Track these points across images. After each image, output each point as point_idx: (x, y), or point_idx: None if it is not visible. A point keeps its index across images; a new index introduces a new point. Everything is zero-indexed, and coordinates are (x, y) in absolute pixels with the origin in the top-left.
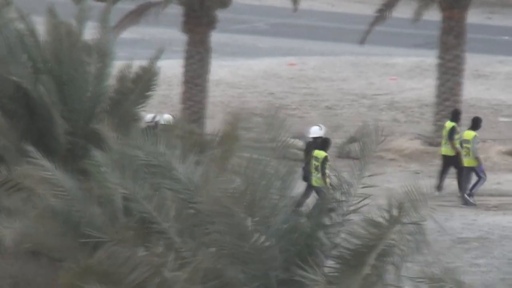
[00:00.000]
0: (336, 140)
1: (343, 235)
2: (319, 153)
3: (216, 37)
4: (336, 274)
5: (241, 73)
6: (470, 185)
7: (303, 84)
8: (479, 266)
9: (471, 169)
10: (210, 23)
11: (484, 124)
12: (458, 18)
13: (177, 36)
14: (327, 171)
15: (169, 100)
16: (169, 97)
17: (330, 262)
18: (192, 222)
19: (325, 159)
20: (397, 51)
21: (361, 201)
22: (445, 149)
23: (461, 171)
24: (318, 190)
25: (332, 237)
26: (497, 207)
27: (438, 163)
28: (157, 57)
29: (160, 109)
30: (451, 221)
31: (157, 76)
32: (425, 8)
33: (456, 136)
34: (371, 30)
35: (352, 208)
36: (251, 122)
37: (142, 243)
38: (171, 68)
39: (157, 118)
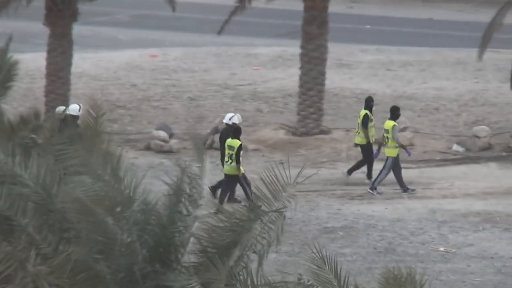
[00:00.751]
0: (200, 131)
1: (204, 227)
2: (233, 142)
3: (77, 30)
4: (200, 267)
5: (103, 65)
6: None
7: (165, 75)
8: (345, 255)
9: (388, 158)
10: (72, 16)
11: (348, 113)
12: (320, 8)
13: (40, 29)
14: (241, 159)
15: (32, 94)
16: (32, 90)
17: (194, 255)
18: (50, 220)
19: (240, 147)
20: (259, 41)
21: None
22: (359, 138)
23: (370, 160)
24: (229, 179)
25: (189, 228)
26: (362, 196)
27: (302, 152)
28: (6, 47)
29: (23, 103)
30: (316, 211)
31: (16, 66)
32: None
33: (371, 124)
34: (230, 20)
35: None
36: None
37: (6, 238)
38: (34, 61)
39: (66, 110)
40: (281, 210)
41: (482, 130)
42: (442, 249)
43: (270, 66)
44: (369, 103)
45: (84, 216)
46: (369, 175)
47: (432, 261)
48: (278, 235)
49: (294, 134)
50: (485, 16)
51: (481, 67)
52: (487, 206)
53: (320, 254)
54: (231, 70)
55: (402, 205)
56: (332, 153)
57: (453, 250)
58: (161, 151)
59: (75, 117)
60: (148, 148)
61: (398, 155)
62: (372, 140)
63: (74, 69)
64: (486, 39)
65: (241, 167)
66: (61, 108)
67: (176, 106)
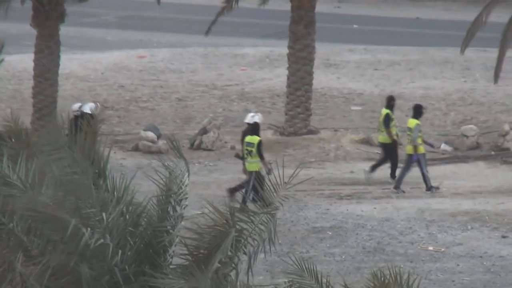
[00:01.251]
0: (188, 132)
1: (189, 228)
2: (252, 138)
3: (65, 31)
4: (186, 268)
5: (91, 66)
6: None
7: (153, 76)
8: (333, 255)
9: (410, 156)
10: (60, 17)
11: (336, 113)
12: (307, 8)
13: (27, 31)
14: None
15: (19, 95)
16: (19, 91)
17: (180, 256)
18: (38, 221)
19: (260, 143)
20: (246, 42)
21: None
22: (381, 137)
23: (395, 159)
24: (251, 175)
25: (176, 228)
26: (350, 196)
27: (290, 152)
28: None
29: (10, 104)
30: (305, 211)
31: None
32: None
33: (392, 123)
34: (217, 21)
35: (185, 199)
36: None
37: None
38: (22, 63)
39: (82, 107)
40: (272, 211)
41: (470, 129)
42: (431, 248)
43: (258, 66)
44: (390, 102)
45: (47, 223)
46: (393, 174)
47: (421, 260)
48: (271, 236)
49: (282, 134)
50: (472, 15)
51: (469, 66)
52: (476, 205)
53: (299, 263)
54: (218, 70)
55: (390, 204)
56: (320, 153)
57: (442, 250)
58: (149, 152)
59: (92, 116)
60: (136, 149)
61: (425, 152)
62: (395, 138)
63: (62, 70)
64: (470, 34)
65: (259, 164)
66: (77, 105)
67: (164, 107)
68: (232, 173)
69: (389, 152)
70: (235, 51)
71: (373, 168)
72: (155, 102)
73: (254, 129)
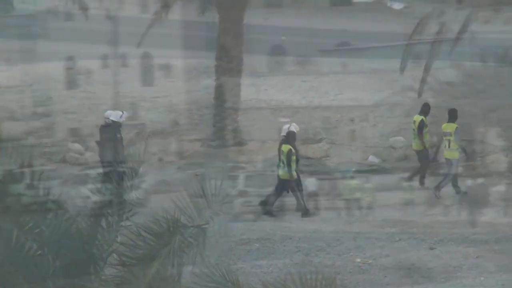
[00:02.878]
0: None
1: (123, 240)
2: (284, 147)
3: None
4: (119, 280)
5: (19, 77)
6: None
7: (80, 87)
8: (261, 267)
9: (450, 161)
10: None
11: (263, 125)
12: (235, 19)
13: None
14: (293, 164)
15: None
16: None
17: (113, 269)
18: None
19: (289, 152)
20: (174, 53)
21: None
22: (415, 144)
23: (426, 165)
24: (282, 183)
25: (110, 241)
26: (278, 207)
27: (219, 164)
28: None
29: None
30: (232, 222)
31: None
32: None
33: (426, 129)
34: (147, 33)
35: (127, 213)
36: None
37: None
38: None
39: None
40: (203, 225)
41: (398, 141)
42: (358, 260)
43: (186, 78)
44: (424, 109)
45: None
46: (422, 180)
47: (348, 272)
48: (200, 250)
49: (210, 146)
50: (401, 26)
51: (397, 77)
52: (404, 217)
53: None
54: (146, 82)
55: (318, 216)
56: (248, 165)
57: (370, 261)
58: (77, 163)
59: (117, 123)
60: (63, 160)
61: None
62: (427, 145)
63: None
64: (406, 53)
65: (293, 173)
66: (109, 112)
67: (91, 119)
68: (160, 184)
69: (422, 158)
70: (162, 62)
71: (421, 181)
72: (82, 114)
73: (287, 137)
